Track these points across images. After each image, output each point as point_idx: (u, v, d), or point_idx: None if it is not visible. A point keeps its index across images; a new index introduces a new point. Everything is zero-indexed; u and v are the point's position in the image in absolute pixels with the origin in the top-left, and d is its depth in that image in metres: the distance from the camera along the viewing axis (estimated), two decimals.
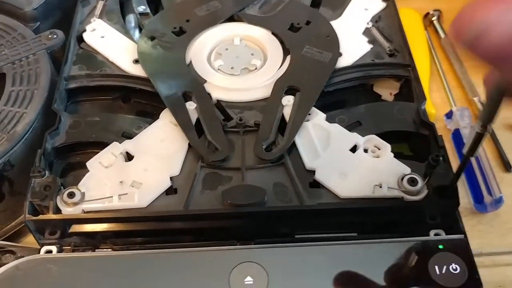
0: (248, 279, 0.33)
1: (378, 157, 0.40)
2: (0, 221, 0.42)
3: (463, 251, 0.34)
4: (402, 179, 0.37)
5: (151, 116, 0.43)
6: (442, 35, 0.59)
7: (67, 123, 0.42)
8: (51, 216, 0.36)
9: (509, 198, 0.43)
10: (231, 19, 0.50)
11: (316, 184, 0.38)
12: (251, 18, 0.49)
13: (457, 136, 0.48)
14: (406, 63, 0.45)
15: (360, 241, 0.35)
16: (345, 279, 0.33)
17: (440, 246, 0.34)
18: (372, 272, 0.34)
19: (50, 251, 0.36)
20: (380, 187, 0.37)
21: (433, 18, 0.60)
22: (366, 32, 0.48)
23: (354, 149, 0.40)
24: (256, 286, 0.33)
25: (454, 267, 0.33)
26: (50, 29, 0.48)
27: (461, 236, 0.35)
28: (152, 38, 0.47)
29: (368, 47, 0.47)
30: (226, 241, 0.37)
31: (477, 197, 0.43)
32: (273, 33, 0.48)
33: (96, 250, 0.37)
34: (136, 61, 0.46)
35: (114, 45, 0.47)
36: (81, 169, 0.40)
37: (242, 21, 0.50)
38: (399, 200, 0.37)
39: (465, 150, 0.32)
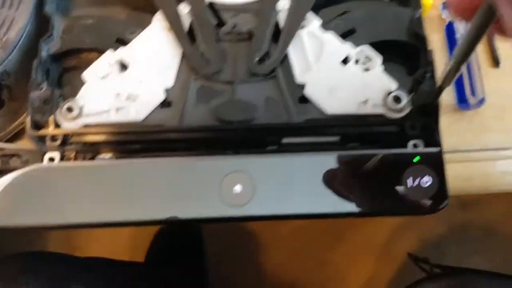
0: (237, 187, 0.37)
1: (368, 69, 0.40)
2: (1, 125, 0.44)
3: (436, 165, 0.37)
4: (388, 95, 0.39)
5: (146, 12, 0.43)
6: None
7: (60, 28, 0.42)
8: (52, 131, 0.39)
9: (492, 95, 0.45)
10: None
11: (305, 99, 0.40)
12: None
13: (450, 29, 0.47)
14: None
15: (342, 151, 0.38)
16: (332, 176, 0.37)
17: (416, 159, 0.37)
18: (353, 180, 0.37)
19: (52, 159, 0.39)
20: (366, 103, 0.39)
21: None
22: None
23: (346, 60, 0.40)
24: (244, 194, 0.37)
25: (426, 180, 0.37)
26: None
27: (437, 149, 0.38)
28: None
29: None
30: (218, 150, 0.39)
31: (461, 97, 0.45)
32: None
33: (96, 157, 0.40)
34: None
35: None
36: (77, 73, 0.41)
37: None
38: (382, 116, 0.39)
39: (440, 80, 0.34)
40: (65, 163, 0.39)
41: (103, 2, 0.45)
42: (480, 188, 0.43)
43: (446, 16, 0.47)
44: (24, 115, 0.43)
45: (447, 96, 0.44)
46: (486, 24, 0.25)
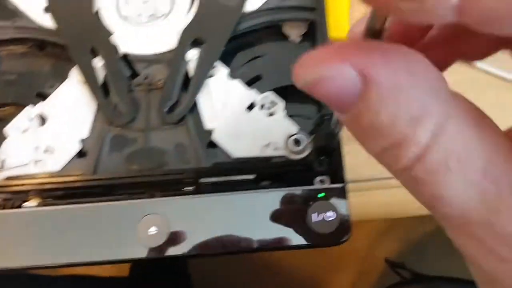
0: (153, 229, 0.40)
1: (272, 114, 0.43)
2: None
3: (340, 200, 0.40)
4: (289, 139, 0.41)
5: (67, 66, 0.45)
6: None
7: None
8: None
9: None
10: None
11: (214, 144, 0.42)
12: None
13: None
14: (313, 6, 0.45)
15: (253, 190, 0.41)
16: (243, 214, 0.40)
17: (321, 194, 0.40)
18: (261, 219, 0.40)
19: None
20: (268, 147, 0.42)
21: None
22: None
23: (251, 106, 0.43)
24: (160, 235, 0.40)
25: (329, 215, 0.39)
26: None
27: (341, 184, 0.41)
28: None
29: None
30: (134, 195, 0.42)
31: None
32: None
33: (23, 204, 0.43)
34: (46, 10, 0.46)
35: None
36: (1, 126, 0.44)
37: None
38: (284, 158, 0.42)
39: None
40: None
41: (22, 56, 0.47)
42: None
43: None
44: None
45: None
46: None
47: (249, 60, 0.46)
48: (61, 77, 0.45)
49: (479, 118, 0.19)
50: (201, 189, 0.42)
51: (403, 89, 0.18)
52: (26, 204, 0.43)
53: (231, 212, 0.40)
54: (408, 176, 0.19)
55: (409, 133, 0.18)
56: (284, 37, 0.47)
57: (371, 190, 0.40)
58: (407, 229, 1.02)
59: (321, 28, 0.45)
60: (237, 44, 0.46)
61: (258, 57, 0.46)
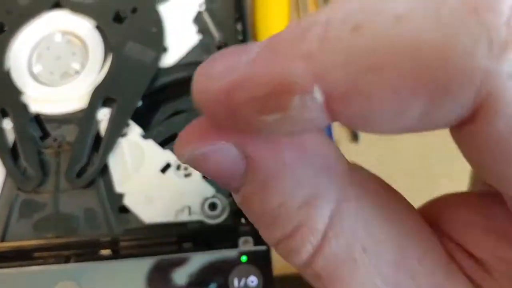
0: None
1: (189, 174, 0.41)
2: None
3: (263, 263, 0.39)
4: (204, 203, 0.40)
5: None
6: None
7: None
8: None
9: None
10: (56, 5, 0.47)
11: (126, 209, 0.41)
12: (73, 4, 0.47)
13: None
14: None
15: (173, 254, 0.39)
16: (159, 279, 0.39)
17: (244, 258, 0.39)
18: (180, 285, 0.38)
19: None
20: (183, 211, 0.40)
21: None
22: (197, 18, 0.46)
23: (166, 167, 0.42)
24: None
25: (252, 279, 0.38)
26: None
27: (264, 247, 0.39)
28: None
29: (196, 38, 0.46)
30: (49, 260, 0.40)
31: None
32: (98, 25, 0.46)
33: None
34: None
35: None
36: None
37: (62, 8, 0.47)
38: (201, 223, 0.40)
39: None
40: None
41: None
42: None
43: None
44: None
45: None
46: None
47: (166, 118, 0.44)
48: None
49: (386, 196, 0.17)
50: (120, 253, 0.41)
51: (290, 170, 0.16)
52: None
53: (144, 277, 0.39)
54: (311, 272, 0.17)
55: (303, 220, 0.16)
56: None
57: None
58: None
59: None
60: (154, 101, 0.44)
61: (176, 113, 0.45)
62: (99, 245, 0.41)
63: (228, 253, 0.39)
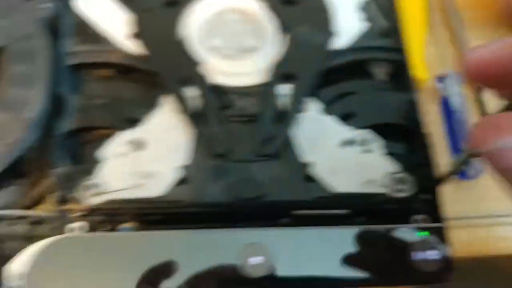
0: (254, 259, 0.39)
1: (369, 151, 0.44)
2: (22, 195, 0.45)
3: (441, 238, 0.41)
4: (391, 177, 0.43)
5: (154, 93, 0.46)
6: None
7: (74, 107, 0.45)
8: (74, 207, 0.41)
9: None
10: None
11: (311, 178, 0.43)
12: None
13: (445, 103, 0.52)
14: (399, 47, 0.48)
15: (351, 226, 0.41)
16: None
17: (422, 233, 0.41)
18: (360, 256, 0.40)
19: (78, 228, 0.41)
20: (369, 183, 0.43)
21: None
22: (365, 6, 0.50)
23: (347, 144, 0.44)
24: (261, 265, 0.39)
25: (431, 253, 0.40)
26: None
27: (441, 223, 0.42)
28: (146, 10, 0.48)
29: (363, 25, 0.49)
30: (233, 224, 0.42)
31: None
32: (268, 6, 0.49)
33: (117, 227, 0.42)
34: (133, 36, 0.47)
35: (110, 15, 0.48)
36: (93, 148, 0.44)
37: None
38: (385, 195, 0.43)
39: (451, 166, 0.39)
40: (94, 234, 0.41)
41: (112, 80, 0.47)
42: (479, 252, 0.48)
43: (441, 89, 0.52)
44: (41, 185, 0.45)
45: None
46: None
47: (338, 97, 0.47)
48: (150, 104, 0.45)
49: None
50: (296, 222, 0.43)
51: None
52: (121, 226, 0.42)
53: (331, 248, 0.40)
54: None
55: None
56: (368, 75, 0.49)
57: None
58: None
59: (405, 69, 0.47)
60: (322, 81, 0.47)
61: (346, 94, 0.47)
62: (287, 210, 0.43)
63: (406, 228, 0.41)
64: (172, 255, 0.39)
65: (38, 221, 0.43)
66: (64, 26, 0.47)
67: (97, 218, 0.42)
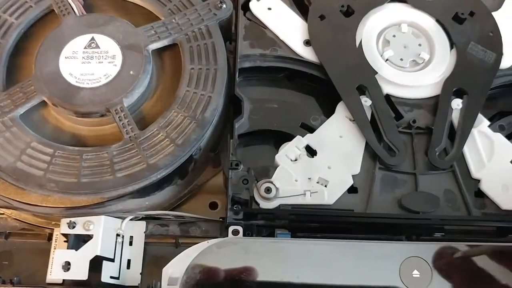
0: (416, 273, 0.40)
1: None
2: (178, 193, 0.47)
3: None
4: None
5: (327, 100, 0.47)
6: None
7: (248, 109, 0.46)
8: (253, 209, 0.43)
9: None
10: None
11: (481, 194, 0.44)
12: (418, 1, 0.51)
13: None
14: None
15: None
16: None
17: None
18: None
19: (237, 231, 0.42)
20: None
21: None
22: None
23: None
24: (422, 279, 0.40)
25: None
26: None
27: None
28: (322, 17, 0.49)
29: None
30: (395, 236, 0.43)
31: None
32: (437, 21, 0.50)
33: (275, 231, 0.43)
34: (307, 43, 0.48)
35: (282, 20, 0.50)
36: (259, 153, 0.46)
37: (406, 3, 0.51)
38: None
39: None
40: (257, 239, 0.42)
41: (277, 85, 0.49)
42: None
43: None
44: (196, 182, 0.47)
45: None
46: None
47: (498, 114, 0.48)
48: (322, 111, 0.46)
49: None
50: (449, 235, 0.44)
51: None
52: (278, 231, 0.43)
53: (489, 264, 0.40)
54: None
55: None
56: None
57: None
58: None
59: None
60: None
61: (503, 112, 0.49)
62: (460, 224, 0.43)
63: None
64: (336, 264, 0.40)
65: (191, 223, 0.45)
66: (239, 28, 0.48)
67: (258, 222, 0.43)
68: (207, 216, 0.46)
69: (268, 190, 0.42)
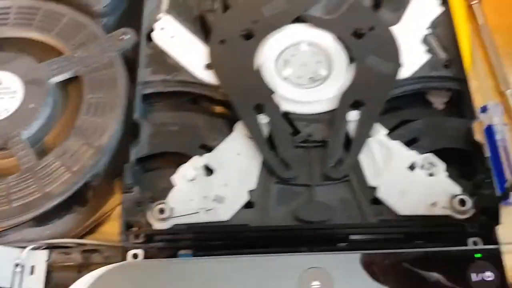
0: (315, 283, 0.40)
1: (432, 175, 0.46)
2: (81, 221, 0.48)
3: (497, 261, 0.42)
4: (453, 199, 0.44)
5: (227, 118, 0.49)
6: (480, 21, 0.62)
7: (147, 133, 0.47)
8: (144, 230, 0.43)
9: None
10: (295, 19, 0.53)
11: (378, 201, 0.45)
12: (316, 20, 0.53)
13: (490, 131, 0.54)
14: (461, 77, 0.50)
15: (409, 250, 0.42)
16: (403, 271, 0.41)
17: (478, 255, 0.42)
18: (418, 278, 0.41)
19: (136, 255, 0.43)
20: (434, 206, 0.44)
21: (473, 2, 0.63)
22: (425, 39, 0.52)
23: (412, 167, 0.46)
24: None
25: (488, 275, 0.41)
26: (117, 23, 0.51)
27: (497, 246, 0.43)
28: (222, 42, 0.50)
29: (426, 57, 0.51)
30: (294, 248, 0.43)
31: (504, 193, 0.47)
32: (338, 38, 0.52)
33: (177, 253, 0.44)
34: (208, 67, 0.49)
35: (184, 47, 0.52)
36: (161, 176, 0.46)
37: (306, 22, 0.53)
38: (449, 218, 0.44)
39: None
40: (155, 261, 0.43)
41: (185, 109, 0.50)
42: None
43: (485, 119, 0.54)
44: (102, 210, 0.48)
45: None
46: None
47: (400, 124, 0.48)
48: (222, 131, 0.47)
49: None
50: (354, 244, 0.44)
51: None
52: (181, 252, 0.43)
53: (391, 271, 0.41)
54: None
55: None
56: (427, 104, 0.51)
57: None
58: None
59: (467, 98, 0.49)
60: (385, 108, 0.49)
61: (407, 121, 0.49)
62: (355, 233, 0.44)
63: (463, 250, 0.42)
64: (231, 282, 0.41)
65: (94, 250, 0.45)
66: (141, 57, 0.50)
67: (158, 244, 0.44)
68: (112, 243, 0.46)
69: (161, 211, 0.43)
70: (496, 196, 0.44)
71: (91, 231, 0.49)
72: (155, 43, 0.52)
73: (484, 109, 0.55)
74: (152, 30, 0.52)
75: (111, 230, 0.49)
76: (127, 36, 0.51)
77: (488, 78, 0.59)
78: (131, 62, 0.51)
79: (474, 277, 0.41)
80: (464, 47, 0.57)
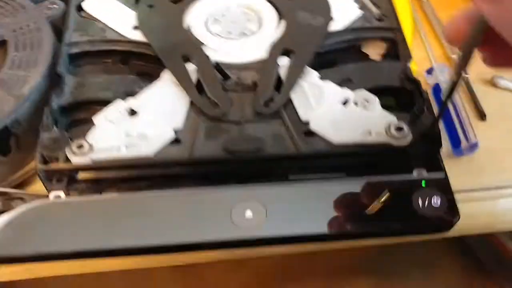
0: (249, 214, 0.38)
1: (368, 107, 0.44)
2: (6, 173, 0.45)
3: (444, 187, 0.40)
4: (390, 127, 0.42)
5: (151, 76, 0.47)
6: None
7: (71, 84, 0.45)
8: (61, 165, 0.41)
9: (482, 144, 0.48)
10: None
11: (311, 133, 0.43)
12: None
13: (437, 90, 0.53)
14: (394, 26, 0.50)
15: (349, 178, 0.41)
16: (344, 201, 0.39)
17: (423, 183, 0.40)
18: (364, 203, 0.39)
19: (58, 196, 0.40)
20: (370, 133, 0.42)
21: None
22: None
23: (345, 103, 0.44)
24: (256, 220, 0.38)
25: (435, 201, 0.39)
26: None
27: (442, 173, 0.41)
28: (150, 6, 0.50)
29: (358, 12, 0.51)
30: (226, 182, 0.41)
31: (454, 143, 0.48)
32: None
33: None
34: (135, 28, 0.49)
35: (114, 13, 0.52)
36: (86, 125, 0.43)
37: None
38: (387, 145, 0.42)
39: (443, 96, 0.37)
40: (71, 198, 0.40)
41: (110, 70, 0.49)
42: (484, 226, 0.46)
43: (431, 80, 0.52)
44: (29, 165, 0.45)
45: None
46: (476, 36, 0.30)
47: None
48: (149, 82, 0.46)
49: None
50: (292, 177, 0.42)
51: None
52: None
53: (328, 200, 0.39)
54: None
55: None
56: (364, 58, 0.50)
57: None
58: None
59: (403, 46, 0.48)
60: (320, 62, 0.48)
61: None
62: (286, 164, 0.42)
63: (407, 178, 0.41)
64: (163, 213, 0.39)
65: (17, 198, 0.42)
66: (69, 21, 0.49)
67: (78, 186, 0.41)
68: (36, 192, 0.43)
69: (80, 146, 0.41)
70: (435, 117, 0.42)
71: (19, 187, 0.45)
72: (85, 11, 0.52)
73: (430, 71, 0.54)
74: (83, 0, 0.53)
75: (41, 188, 0.45)
76: (55, 5, 0.51)
77: (433, 48, 0.58)
78: (60, 30, 0.50)
79: (420, 203, 0.39)
80: (405, 19, 0.58)
